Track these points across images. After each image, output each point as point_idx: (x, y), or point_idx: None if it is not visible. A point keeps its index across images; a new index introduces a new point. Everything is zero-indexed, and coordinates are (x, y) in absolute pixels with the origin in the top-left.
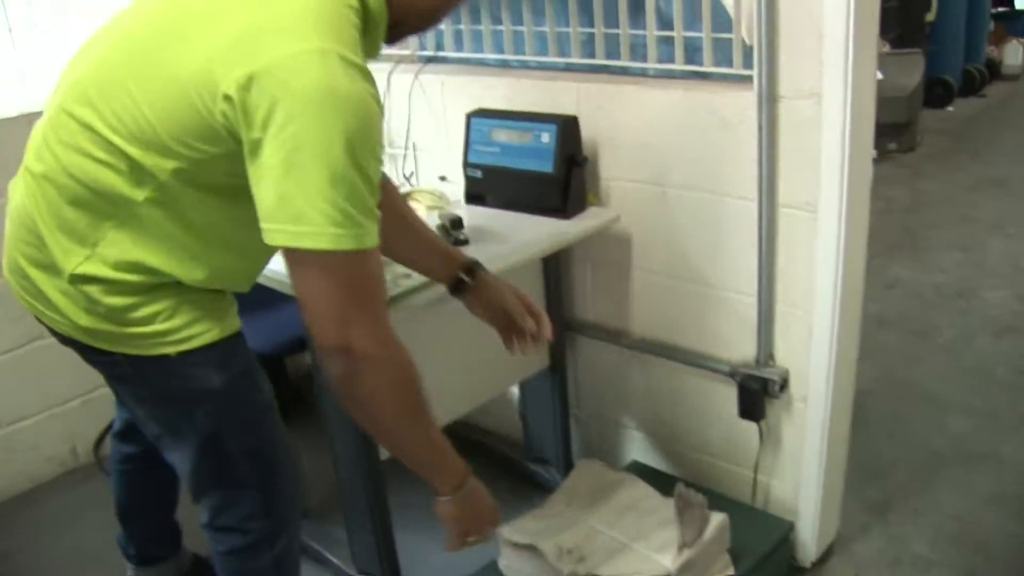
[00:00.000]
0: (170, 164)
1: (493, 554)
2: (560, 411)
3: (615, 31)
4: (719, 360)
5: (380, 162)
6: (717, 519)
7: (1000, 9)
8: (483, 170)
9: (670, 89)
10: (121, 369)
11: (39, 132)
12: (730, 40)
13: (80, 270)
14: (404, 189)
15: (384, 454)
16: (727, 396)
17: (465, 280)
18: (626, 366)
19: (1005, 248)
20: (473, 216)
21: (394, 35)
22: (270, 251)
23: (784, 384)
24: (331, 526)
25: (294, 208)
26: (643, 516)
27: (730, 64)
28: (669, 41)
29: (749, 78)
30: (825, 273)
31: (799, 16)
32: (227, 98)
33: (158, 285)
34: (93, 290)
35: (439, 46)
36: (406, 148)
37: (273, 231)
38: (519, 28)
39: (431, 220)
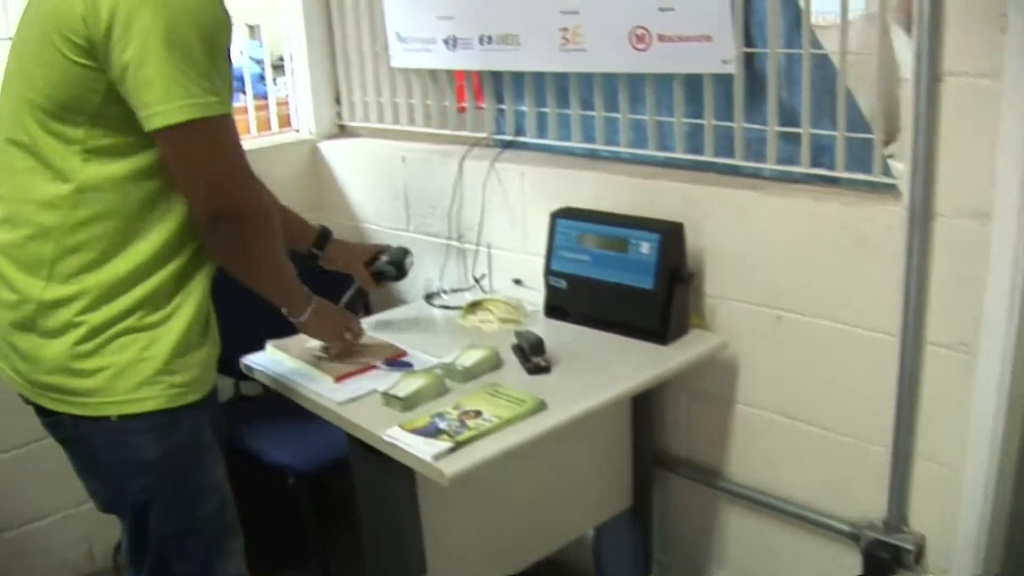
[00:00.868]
0: (78, 133)
1: None
2: (642, 555)
3: (728, 124)
4: (838, 518)
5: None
6: None
7: None
8: (568, 280)
9: (795, 197)
10: (64, 431)
11: None
12: (869, 140)
13: (47, 296)
14: (474, 295)
15: None
16: (845, 561)
17: (316, 253)
18: (722, 512)
19: None
20: (553, 333)
21: None
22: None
23: (919, 554)
24: None
25: (159, 89)
26: None
27: (867, 169)
28: (793, 139)
29: (892, 187)
30: (981, 426)
31: (966, 118)
32: (82, 18)
33: (123, 314)
34: (65, 313)
35: (519, 130)
36: (478, 244)
37: (151, 116)
38: (613, 115)
39: (504, 335)
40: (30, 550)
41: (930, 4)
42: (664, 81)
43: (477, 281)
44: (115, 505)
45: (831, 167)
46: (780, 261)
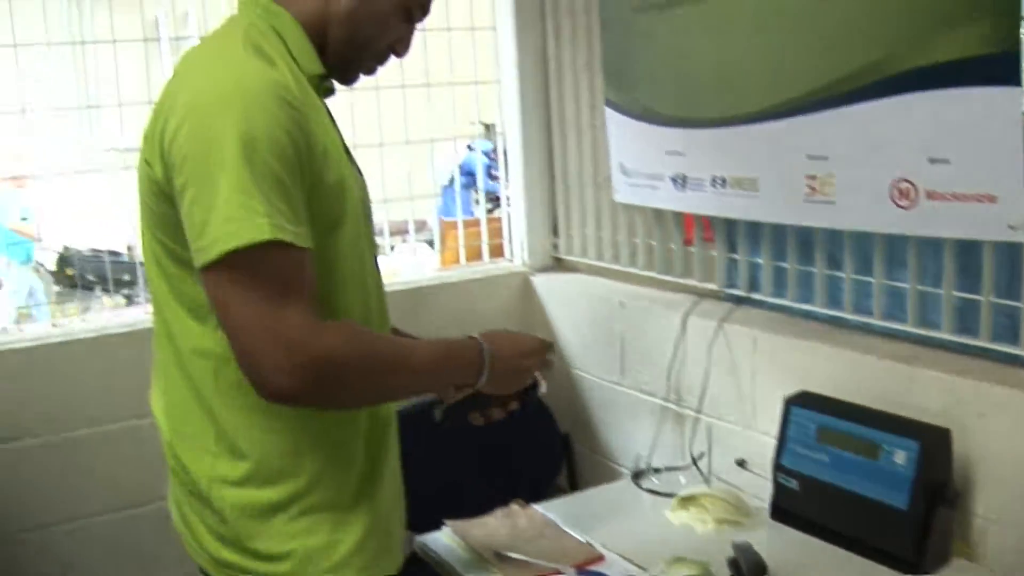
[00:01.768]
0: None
1: None
2: None
3: (1012, 304)
4: None
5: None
6: None
7: None
8: (800, 481)
9: None
10: None
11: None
12: None
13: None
14: (689, 481)
15: None
16: None
17: None
18: None
19: None
20: (778, 541)
21: (335, 63)
22: None
23: None
24: None
25: (198, 223)
26: None
27: None
28: None
29: None
30: None
31: None
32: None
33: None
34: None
35: (754, 284)
36: (698, 411)
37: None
38: (865, 278)
39: (720, 540)
40: None
41: None
42: (931, 245)
43: (695, 461)
44: None
45: None
46: None
